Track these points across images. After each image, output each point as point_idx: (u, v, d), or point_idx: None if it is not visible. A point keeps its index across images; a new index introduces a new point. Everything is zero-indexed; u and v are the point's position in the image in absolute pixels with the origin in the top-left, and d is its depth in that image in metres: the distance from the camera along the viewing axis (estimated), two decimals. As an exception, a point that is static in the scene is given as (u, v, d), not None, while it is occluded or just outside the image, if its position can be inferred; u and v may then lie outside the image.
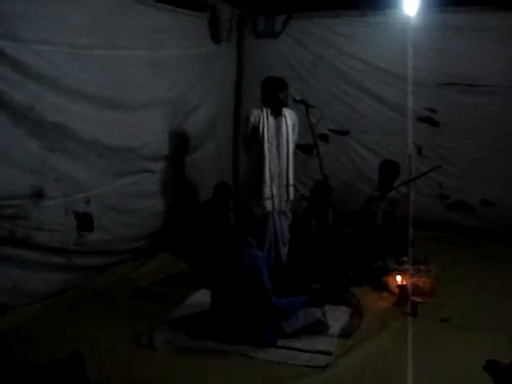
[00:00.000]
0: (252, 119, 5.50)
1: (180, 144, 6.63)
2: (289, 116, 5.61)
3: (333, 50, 7.53)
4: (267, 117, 5.47)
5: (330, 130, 7.65)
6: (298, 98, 5.57)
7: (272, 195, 5.52)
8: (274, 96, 5.48)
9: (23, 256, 4.75)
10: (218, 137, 7.63)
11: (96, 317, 4.77)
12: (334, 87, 7.61)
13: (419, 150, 7.18)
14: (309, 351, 4.12)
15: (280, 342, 4.22)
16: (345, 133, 7.68)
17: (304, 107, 5.45)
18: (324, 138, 7.57)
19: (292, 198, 5.76)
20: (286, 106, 5.57)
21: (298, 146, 6.03)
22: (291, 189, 5.69)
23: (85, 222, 5.27)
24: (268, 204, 5.51)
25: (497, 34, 6.70)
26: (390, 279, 5.32)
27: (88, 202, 5.28)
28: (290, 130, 5.60)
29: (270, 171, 5.51)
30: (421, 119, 7.20)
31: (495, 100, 6.85)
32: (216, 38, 7.18)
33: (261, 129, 5.47)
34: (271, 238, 5.62)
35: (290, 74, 7.33)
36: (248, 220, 4.47)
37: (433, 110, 7.17)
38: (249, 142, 5.62)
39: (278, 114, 5.50)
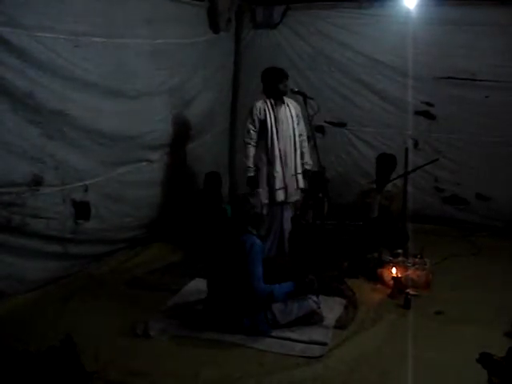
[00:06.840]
0: (256, 112, 5.52)
1: (178, 133, 6.61)
2: (292, 106, 5.66)
3: (331, 41, 7.48)
4: (272, 108, 5.49)
5: (327, 122, 7.64)
6: (296, 89, 5.58)
7: (285, 185, 5.55)
8: (275, 87, 5.50)
9: (19, 243, 4.76)
10: (216, 126, 7.63)
11: (91, 305, 4.79)
12: (331, 79, 7.56)
13: (415, 144, 7.19)
14: (304, 342, 4.15)
15: (275, 333, 4.25)
16: (341, 125, 7.66)
17: (302, 98, 5.47)
18: (320, 129, 7.54)
19: (302, 186, 5.79)
20: (285, 94, 5.60)
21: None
22: (300, 176, 5.72)
23: (82, 210, 5.28)
24: (281, 194, 5.54)
25: (495, 28, 6.69)
26: (384, 271, 5.35)
27: (86, 191, 5.29)
28: (295, 119, 5.67)
29: (281, 161, 5.53)
30: (417, 112, 7.18)
31: (492, 95, 6.84)
32: (214, 27, 7.14)
33: (268, 120, 5.50)
34: (277, 229, 5.64)
35: (288, 64, 7.25)
36: (248, 212, 4.44)
37: (430, 104, 7.15)
38: (256, 134, 5.62)
39: (280, 103, 5.50)
